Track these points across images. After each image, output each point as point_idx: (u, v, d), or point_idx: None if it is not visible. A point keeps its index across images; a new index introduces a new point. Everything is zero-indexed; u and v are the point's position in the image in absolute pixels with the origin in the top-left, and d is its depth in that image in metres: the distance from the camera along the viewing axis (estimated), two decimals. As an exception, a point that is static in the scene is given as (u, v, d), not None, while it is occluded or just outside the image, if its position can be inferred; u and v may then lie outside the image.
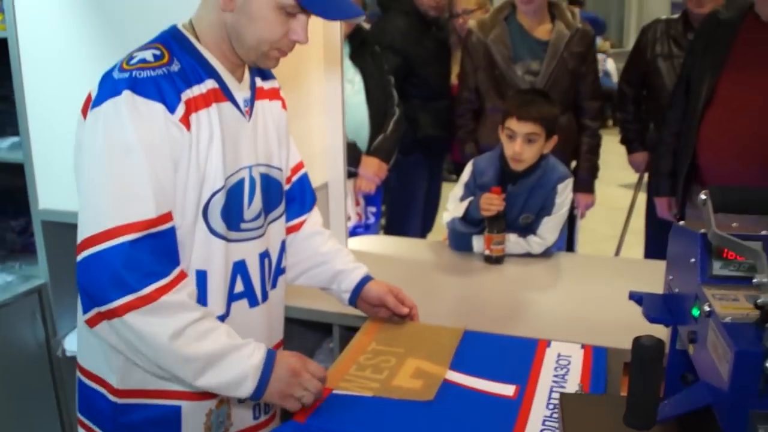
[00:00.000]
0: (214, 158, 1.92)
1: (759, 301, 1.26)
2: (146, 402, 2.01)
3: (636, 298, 1.80)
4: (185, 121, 1.85)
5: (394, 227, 4.95)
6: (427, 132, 4.78)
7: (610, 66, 12.45)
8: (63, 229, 3.04)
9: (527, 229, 3.43)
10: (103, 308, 1.75)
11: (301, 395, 1.92)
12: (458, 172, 3.76)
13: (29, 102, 2.95)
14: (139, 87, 1.80)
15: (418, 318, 2.49)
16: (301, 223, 2.42)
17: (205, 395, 2.03)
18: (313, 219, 2.46)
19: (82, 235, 1.80)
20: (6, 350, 3.04)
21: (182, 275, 1.83)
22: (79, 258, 1.79)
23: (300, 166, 2.47)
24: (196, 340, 1.79)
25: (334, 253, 2.46)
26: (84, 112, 1.89)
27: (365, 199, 4.40)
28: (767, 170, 3.17)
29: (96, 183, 1.81)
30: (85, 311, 1.83)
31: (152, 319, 1.75)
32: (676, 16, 4.59)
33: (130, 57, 1.88)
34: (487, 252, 3.32)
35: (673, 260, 1.73)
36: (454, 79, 4.88)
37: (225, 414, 2.13)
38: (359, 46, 4.31)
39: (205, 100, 1.91)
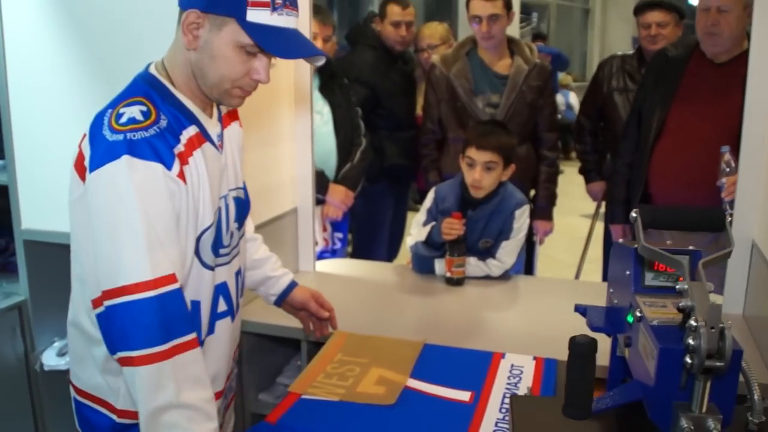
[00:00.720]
0: (204, 200, 1.97)
1: (680, 304, 1.43)
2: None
3: (581, 309, 1.96)
4: (181, 175, 1.88)
5: (361, 253, 5.02)
6: (393, 161, 4.90)
7: (573, 100, 12.59)
8: (44, 248, 3.13)
9: (486, 253, 3.57)
10: (118, 355, 1.80)
11: None
12: (423, 200, 3.89)
13: (15, 126, 3.03)
14: (137, 150, 1.81)
15: (336, 321, 2.67)
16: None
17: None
18: (248, 226, 2.48)
19: (92, 293, 1.89)
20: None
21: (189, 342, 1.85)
22: (95, 312, 1.89)
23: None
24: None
25: (264, 260, 2.58)
26: (78, 170, 1.91)
27: (332, 225, 4.48)
28: (713, 197, 3.31)
29: (100, 248, 1.83)
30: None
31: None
32: (630, 52, 4.77)
33: (118, 114, 1.88)
34: (448, 274, 3.46)
35: (613, 274, 1.90)
36: (419, 111, 4.94)
37: None
38: (328, 79, 4.41)
39: (190, 148, 1.95)
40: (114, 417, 2.05)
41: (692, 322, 1.36)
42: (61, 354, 3.19)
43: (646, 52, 4.54)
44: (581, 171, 5.03)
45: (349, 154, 4.47)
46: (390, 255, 5.28)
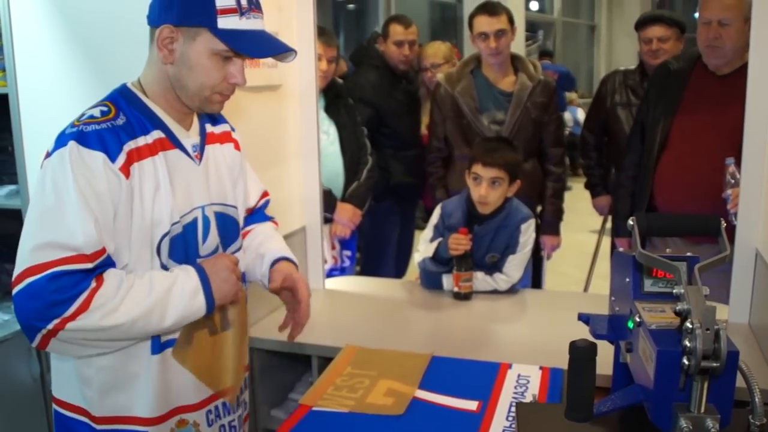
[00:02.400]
0: (161, 204, 2.03)
1: (677, 308, 1.46)
2: (122, 428, 2.10)
3: (584, 318, 2.00)
4: (125, 170, 1.95)
5: (369, 271, 5.04)
6: (399, 179, 4.95)
7: (581, 116, 12.57)
8: (56, 271, 3.17)
9: (493, 268, 3.61)
10: (45, 330, 1.83)
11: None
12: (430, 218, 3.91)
13: (27, 153, 3.07)
14: (84, 139, 1.91)
15: (304, 313, 2.42)
16: (248, 231, 2.53)
17: (160, 418, 2.13)
18: (259, 226, 2.56)
19: (17, 269, 1.86)
20: (3, 384, 3.15)
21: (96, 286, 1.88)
22: (15, 291, 1.85)
23: (265, 194, 2.62)
24: (129, 304, 1.90)
25: (260, 242, 2.51)
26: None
27: (340, 243, 4.53)
28: (719, 209, 3.31)
29: (33, 222, 1.89)
30: (31, 339, 1.87)
31: (89, 316, 1.85)
32: (632, 67, 4.81)
33: (82, 115, 2.01)
34: (456, 289, 3.50)
35: (614, 282, 1.93)
36: (423, 130, 5.04)
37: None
38: (333, 99, 4.46)
39: (150, 150, 2.03)
40: (93, 425, 2.10)
41: (688, 325, 1.40)
42: (76, 374, 3.22)
43: (648, 66, 4.58)
44: (587, 186, 5.07)
45: (356, 173, 4.52)
46: (398, 272, 5.31)
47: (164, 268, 2.07)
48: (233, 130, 2.44)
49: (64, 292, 1.82)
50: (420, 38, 5.25)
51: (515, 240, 3.60)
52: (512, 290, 3.61)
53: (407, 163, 4.95)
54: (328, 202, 4.16)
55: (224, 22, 1.98)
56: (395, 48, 4.97)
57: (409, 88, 5.20)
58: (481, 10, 4.29)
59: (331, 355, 2.78)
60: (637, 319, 1.62)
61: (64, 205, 1.88)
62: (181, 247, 2.10)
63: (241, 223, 2.41)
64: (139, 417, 2.11)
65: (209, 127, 2.29)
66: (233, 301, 2.15)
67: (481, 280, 3.56)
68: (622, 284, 1.81)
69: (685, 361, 1.40)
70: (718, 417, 1.45)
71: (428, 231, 3.73)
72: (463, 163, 3.90)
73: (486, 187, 3.51)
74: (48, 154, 1.95)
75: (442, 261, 3.55)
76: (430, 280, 3.68)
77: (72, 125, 1.97)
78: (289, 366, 3.24)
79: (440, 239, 3.56)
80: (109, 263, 1.93)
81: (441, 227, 3.69)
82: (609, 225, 5.08)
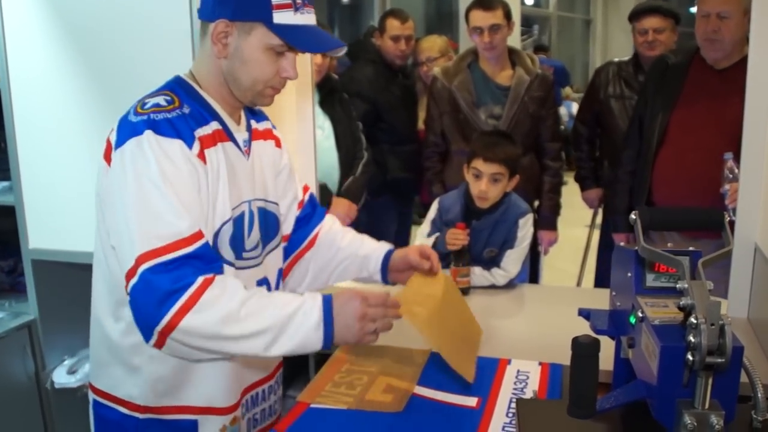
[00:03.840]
0: (222, 192, 2.06)
1: (681, 303, 1.45)
2: (167, 417, 2.13)
3: (584, 313, 1.98)
4: (201, 156, 1.99)
5: (366, 266, 5.00)
6: (396, 175, 4.93)
7: (576, 111, 12.56)
8: (51, 267, 3.17)
9: (491, 263, 3.58)
10: (159, 326, 1.84)
11: (373, 329, 2.08)
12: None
13: (21, 149, 3.07)
14: (158, 127, 1.93)
15: (439, 267, 2.55)
16: (318, 232, 2.56)
17: (219, 410, 2.16)
18: (326, 225, 2.60)
19: (124, 267, 1.88)
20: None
21: (211, 277, 1.90)
22: (130, 286, 1.86)
23: (306, 188, 2.62)
24: (251, 317, 1.91)
25: (355, 244, 2.58)
26: (107, 158, 1.99)
27: (337, 238, 4.49)
28: (717, 204, 3.27)
29: (129, 216, 1.90)
30: (147, 338, 1.89)
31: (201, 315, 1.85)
32: (626, 58, 4.77)
33: (143, 103, 2.01)
34: None
35: (615, 277, 1.92)
36: (420, 125, 5.00)
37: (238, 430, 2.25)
38: (328, 94, 4.45)
39: (212, 140, 2.06)
40: (135, 414, 2.12)
41: (693, 320, 1.38)
42: (71, 372, 3.22)
43: (643, 58, 4.57)
44: (576, 178, 5.06)
45: (351, 167, 4.51)
46: (395, 268, 5.27)
47: (223, 260, 2.07)
48: (274, 127, 2.47)
49: (177, 281, 1.85)
50: (416, 32, 5.22)
51: (513, 234, 3.57)
52: (510, 285, 3.58)
53: (404, 159, 4.93)
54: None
55: (279, 17, 2.00)
56: (392, 43, 4.95)
57: (406, 83, 5.18)
58: (477, 4, 4.28)
59: (327, 351, 2.75)
60: (640, 315, 1.61)
61: (151, 194, 1.89)
62: (228, 235, 2.11)
63: (282, 219, 2.43)
64: (191, 406, 2.14)
65: (254, 124, 2.33)
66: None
67: (478, 275, 3.52)
68: (624, 279, 1.80)
69: (690, 357, 1.39)
70: (722, 413, 1.43)
71: (425, 226, 3.70)
72: (461, 158, 3.88)
73: (486, 182, 3.48)
74: (116, 144, 1.95)
75: (439, 256, 3.50)
76: None
77: (135, 112, 1.98)
78: (286, 362, 3.21)
79: (437, 234, 3.53)
80: (210, 252, 1.95)
81: (438, 222, 3.66)
82: (599, 220, 5.11)
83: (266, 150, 2.36)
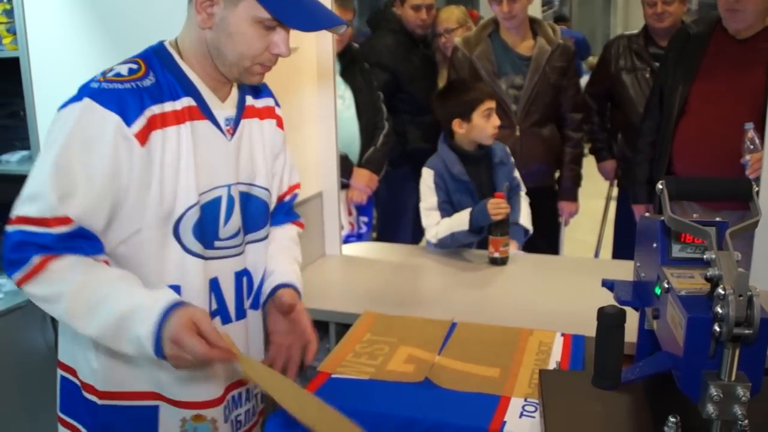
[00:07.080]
0: (184, 175, 1.93)
1: (708, 274, 1.43)
2: (126, 403, 2.05)
3: (608, 285, 1.97)
4: (142, 136, 1.85)
5: (386, 237, 5.02)
6: (416, 145, 4.89)
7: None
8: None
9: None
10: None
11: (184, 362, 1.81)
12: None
13: (40, 118, 3.06)
14: (100, 97, 1.82)
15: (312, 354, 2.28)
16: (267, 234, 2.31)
17: (180, 403, 2.07)
18: (277, 232, 2.38)
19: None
20: (18, 351, 3.16)
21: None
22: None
23: (296, 186, 2.44)
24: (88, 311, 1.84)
25: (273, 259, 2.33)
26: None
27: (357, 209, 4.51)
28: (738, 175, 3.28)
29: (32, 173, 1.85)
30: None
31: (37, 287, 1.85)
32: (636, 31, 4.70)
33: (110, 70, 1.91)
34: (496, 254, 3.43)
35: (640, 248, 1.90)
36: (440, 95, 4.97)
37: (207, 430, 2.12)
38: (349, 64, 4.44)
39: (177, 117, 1.92)
40: (94, 399, 2.07)
41: (720, 291, 1.36)
42: (90, 340, 3.23)
43: (652, 30, 4.49)
44: (591, 151, 5.01)
45: (372, 138, 4.50)
46: (415, 238, 5.25)
47: (183, 247, 1.97)
48: (278, 105, 2.29)
49: (18, 252, 1.80)
50: (437, 2, 5.18)
51: (512, 174, 3.73)
52: (528, 256, 3.61)
53: (424, 129, 4.88)
54: (344, 167, 4.10)
55: None
56: (413, 12, 4.91)
57: (427, 53, 5.14)
58: (496, -28, 4.24)
59: (348, 321, 2.76)
60: (666, 285, 1.59)
61: (45, 162, 1.82)
62: (198, 228, 1.99)
63: (272, 208, 2.29)
64: (152, 392, 2.07)
65: (250, 100, 2.16)
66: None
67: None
68: (649, 249, 1.78)
69: (717, 328, 1.37)
70: (749, 385, 1.42)
71: (430, 197, 3.64)
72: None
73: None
74: (64, 104, 1.87)
75: (478, 230, 3.47)
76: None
77: (96, 79, 1.88)
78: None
79: (469, 209, 3.46)
80: (76, 239, 1.84)
81: (443, 184, 3.62)
82: (615, 192, 5.08)
83: (262, 129, 2.19)
